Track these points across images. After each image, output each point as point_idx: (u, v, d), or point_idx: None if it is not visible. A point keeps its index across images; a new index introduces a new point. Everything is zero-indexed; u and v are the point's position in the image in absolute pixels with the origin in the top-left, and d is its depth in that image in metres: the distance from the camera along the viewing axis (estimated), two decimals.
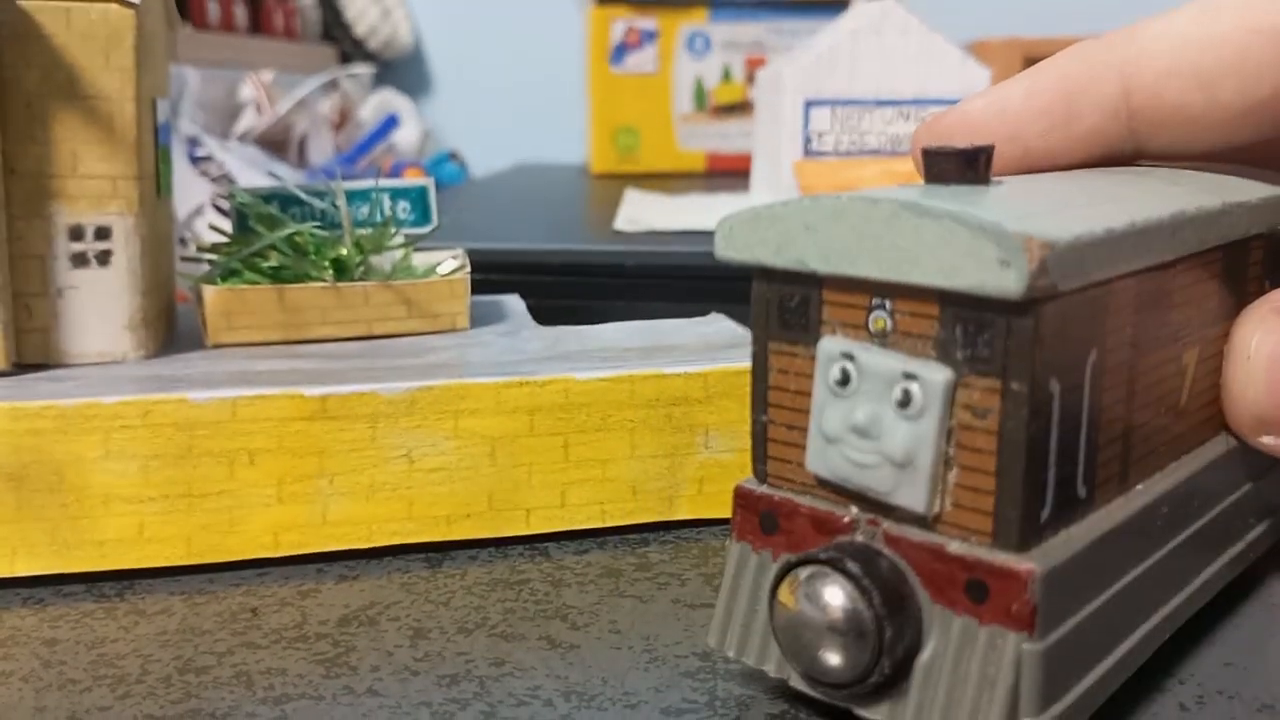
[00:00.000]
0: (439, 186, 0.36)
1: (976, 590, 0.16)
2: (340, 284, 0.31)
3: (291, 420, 0.25)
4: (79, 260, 0.28)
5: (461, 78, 1.37)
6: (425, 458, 0.25)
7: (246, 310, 0.30)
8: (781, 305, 0.18)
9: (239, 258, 0.31)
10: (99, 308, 0.28)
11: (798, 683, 0.18)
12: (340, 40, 1.27)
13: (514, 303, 0.36)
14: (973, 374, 0.16)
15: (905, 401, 0.16)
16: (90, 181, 0.28)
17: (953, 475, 0.16)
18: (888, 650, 0.16)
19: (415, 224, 0.34)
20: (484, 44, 1.34)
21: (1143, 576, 0.18)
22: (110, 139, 0.27)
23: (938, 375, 0.16)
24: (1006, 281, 0.15)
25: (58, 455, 0.24)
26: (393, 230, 0.33)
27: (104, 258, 0.28)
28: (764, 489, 0.19)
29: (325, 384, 0.25)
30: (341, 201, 0.32)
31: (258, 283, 0.31)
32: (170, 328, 0.32)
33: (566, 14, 1.23)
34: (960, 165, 0.18)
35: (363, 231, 0.33)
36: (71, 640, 0.22)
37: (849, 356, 0.17)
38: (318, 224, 0.32)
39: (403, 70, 1.33)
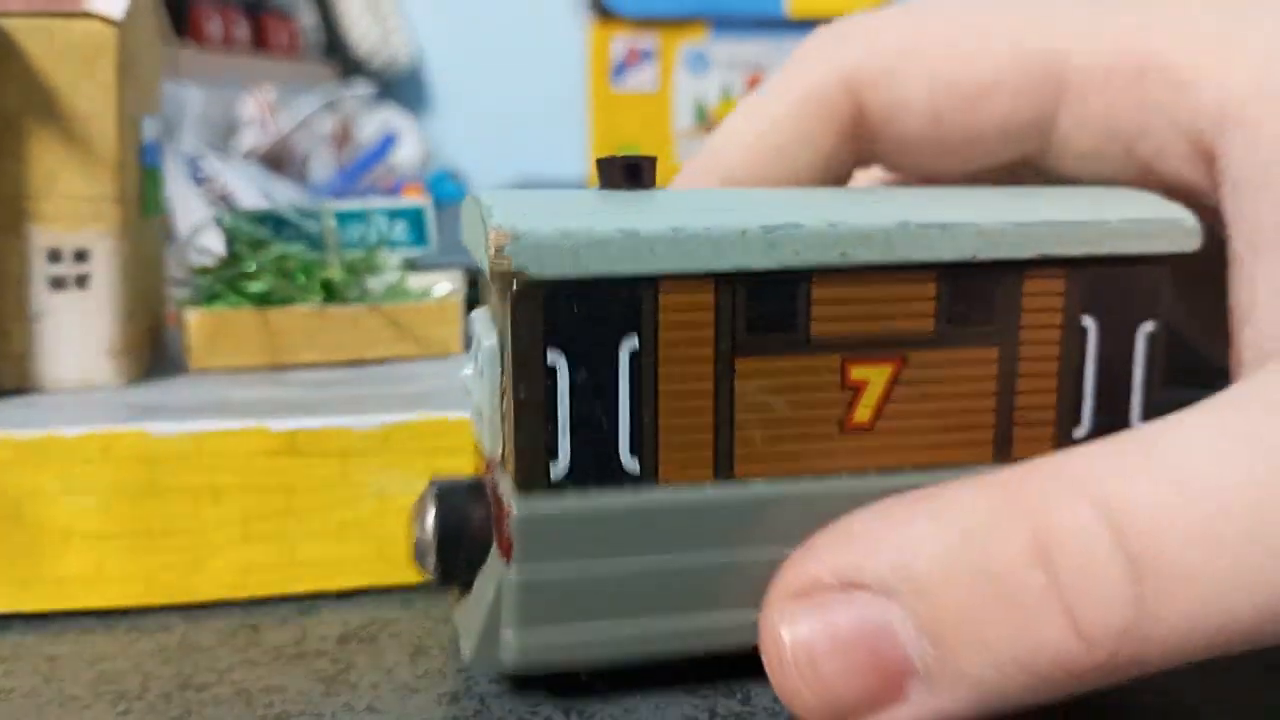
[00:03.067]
0: (439, 205, 0.36)
1: (496, 522, 0.20)
2: (326, 307, 0.30)
3: (257, 455, 0.24)
4: (57, 283, 0.27)
5: (462, 96, 1.38)
6: (399, 496, 0.24)
7: (229, 334, 0.29)
8: None
9: (223, 280, 0.30)
10: (78, 333, 0.27)
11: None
12: (342, 59, 1.28)
13: None
14: (501, 341, 0.19)
15: (477, 364, 0.20)
16: (69, 202, 0.27)
17: (505, 426, 0.19)
18: (441, 558, 0.20)
19: (412, 245, 0.33)
20: (485, 63, 1.35)
21: (739, 565, 0.19)
22: (90, 158, 0.27)
23: (488, 341, 0.19)
24: (485, 263, 0.18)
25: (15, 488, 0.23)
26: (386, 251, 0.33)
27: (83, 280, 0.27)
28: None
29: (300, 415, 0.25)
30: (330, 223, 0.32)
31: (241, 304, 0.30)
32: (156, 351, 0.31)
33: (567, 33, 1.23)
34: (624, 174, 0.20)
35: (356, 253, 0.32)
36: (72, 656, 0.22)
37: (474, 323, 0.20)
38: (308, 245, 0.32)
39: (404, 88, 1.34)
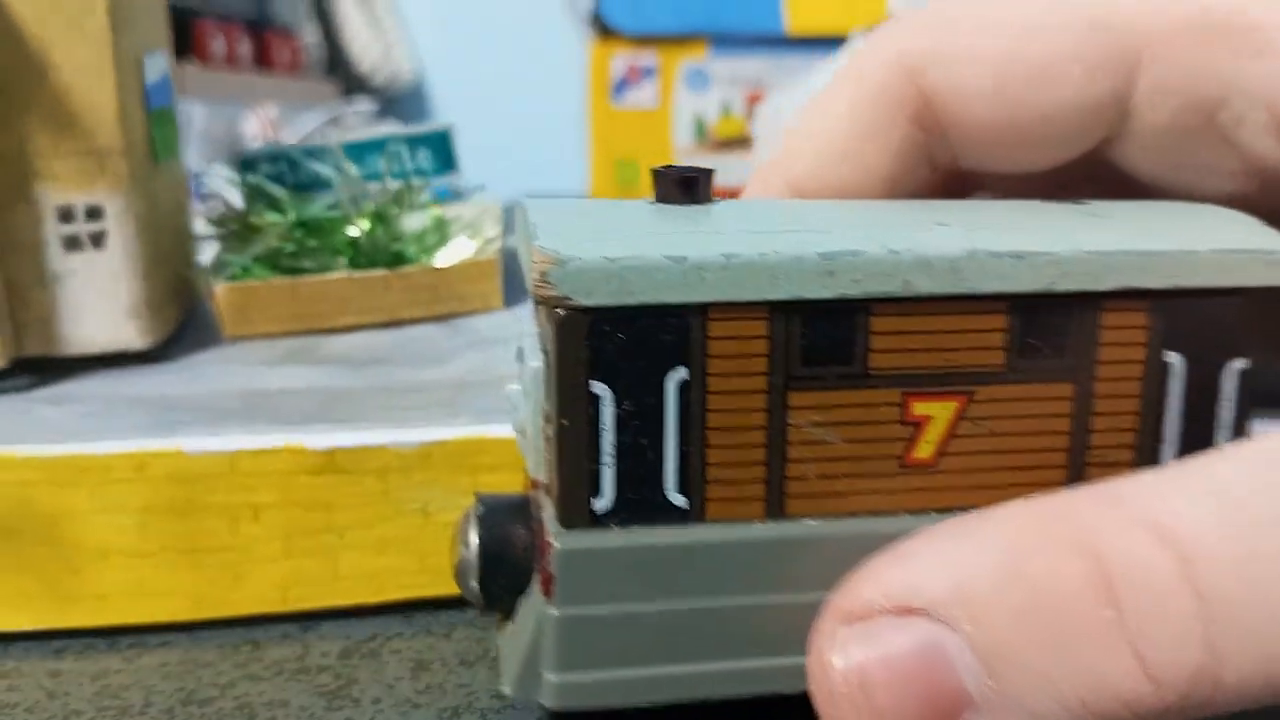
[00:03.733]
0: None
1: (538, 553, 0.19)
2: (358, 274, 0.29)
3: (296, 474, 0.23)
4: (71, 243, 0.26)
5: (464, 113, 1.38)
6: (442, 512, 0.24)
7: (261, 305, 0.28)
8: None
9: (252, 255, 0.29)
10: (98, 293, 0.26)
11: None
12: (344, 76, 1.28)
13: None
14: (546, 365, 0.18)
15: (523, 382, 0.19)
16: (75, 159, 0.26)
17: (548, 455, 0.18)
18: (484, 583, 0.20)
19: (438, 172, 0.32)
20: (486, 80, 1.36)
21: (790, 608, 0.18)
22: (90, 112, 0.26)
23: (535, 363, 0.18)
24: (529, 284, 0.17)
25: (49, 507, 0.22)
26: (417, 185, 0.31)
27: (98, 239, 0.26)
28: None
29: (335, 419, 0.24)
30: (350, 169, 0.30)
31: (270, 276, 0.29)
32: (186, 305, 0.30)
33: (567, 50, 1.24)
34: (679, 187, 0.19)
35: (388, 184, 0.30)
36: (75, 672, 0.22)
37: (522, 338, 0.20)
38: (323, 187, 0.30)
39: (406, 105, 1.34)
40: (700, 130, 1.10)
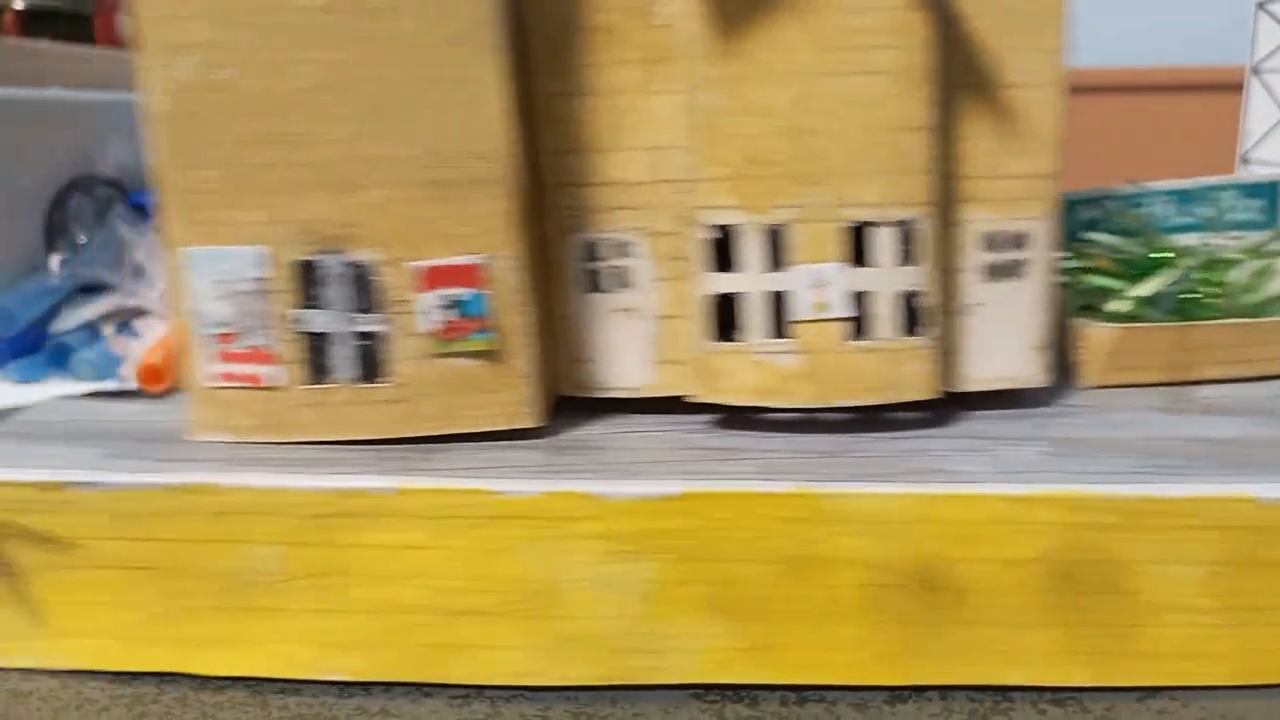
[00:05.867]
0: None
1: None
2: (1254, 320, 0.27)
3: None
4: (991, 273, 0.25)
5: None
6: None
7: (1135, 351, 0.27)
8: None
9: (1171, 299, 0.27)
10: (1008, 326, 0.25)
11: None
12: None
13: None
14: None
15: None
16: (1008, 182, 0.24)
17: None
18: None
19: (1265, 225, 0.30)
20: None
21: None
22: (1032, 132, 0.24)
23: None
24: None
25: (1114, 554, 0.21)
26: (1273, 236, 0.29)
27: (1016, 269, 0.25)
28: None
29: None
30: (1224, 205, 0.29)
31: (1150, 319, 0.27)
32: None
33: None
34: None
35: (1247, 238, 0.29)
36: None
37: None
38: (1150, 230, 0.29)
39: None
40: None
